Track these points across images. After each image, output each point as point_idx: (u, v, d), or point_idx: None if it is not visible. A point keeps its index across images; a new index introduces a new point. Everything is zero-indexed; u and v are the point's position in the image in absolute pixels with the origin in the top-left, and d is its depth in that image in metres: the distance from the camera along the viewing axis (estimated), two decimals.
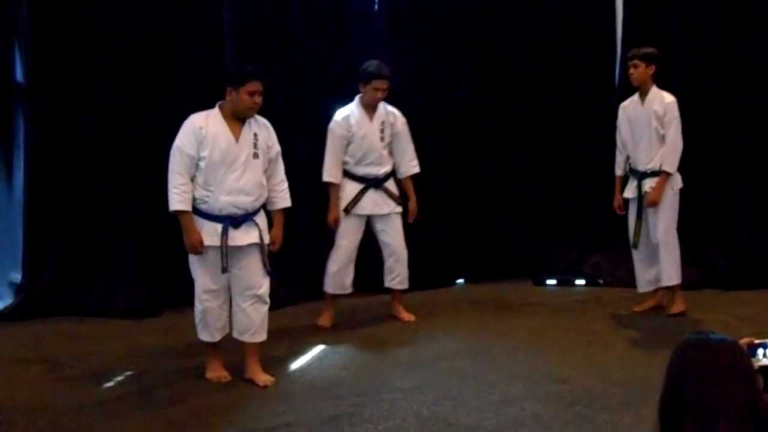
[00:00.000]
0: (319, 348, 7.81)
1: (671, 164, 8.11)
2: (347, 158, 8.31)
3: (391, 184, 8.46)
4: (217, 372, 6.95)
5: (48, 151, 9.22)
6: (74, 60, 9.14)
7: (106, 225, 9.26)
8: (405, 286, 8.67)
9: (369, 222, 8.47)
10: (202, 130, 6.55)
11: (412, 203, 8.56)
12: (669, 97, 8.13)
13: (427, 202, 9.88)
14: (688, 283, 8.47)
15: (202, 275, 6.74)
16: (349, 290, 8.55)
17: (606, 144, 9.31)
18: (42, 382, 7.10)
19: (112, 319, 8.93)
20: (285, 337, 8.11)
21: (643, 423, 5.70)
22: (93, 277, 9.34)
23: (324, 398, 6.51)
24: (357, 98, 8.33)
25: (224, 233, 6.58)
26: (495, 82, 10.21)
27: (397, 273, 8.57)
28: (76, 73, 9.17)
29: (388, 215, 8.43)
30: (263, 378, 6.88)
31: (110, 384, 7.06)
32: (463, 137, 10.18)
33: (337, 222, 8.30)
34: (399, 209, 8.48)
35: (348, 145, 8.26)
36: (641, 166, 8.21)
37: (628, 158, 8.41)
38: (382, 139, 8.32)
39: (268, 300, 6.91)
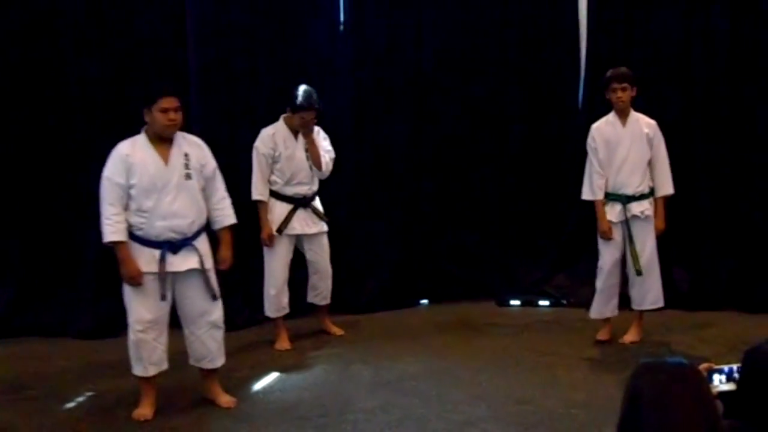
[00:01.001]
0: (282, 369, 7.78)
1: (671, 186, 8.13)
2: (276, 179, 8.37)
3: (317, 203, 8.56)
4: (143, 410, 6.63)
5: (5, 170, 9.18)
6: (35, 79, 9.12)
7: (67, 245, 9.20)
8: (327, 301, 8.78)
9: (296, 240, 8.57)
10: (129, 158, 6.39)
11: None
12: (652, 120, 8.10)
13: (391, 223, 9.92)
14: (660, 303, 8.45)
15: (137, 305, 6.48)
16: (287, 310, 8.56)
17: (570, 165, 9.36)
18: (2, 403, 7.05)
19: (73, 340, 8.88)
20: (248, 358, 8.09)
21: None
22: (54, 298, 9.27)
23: (287, 419, 6.49)
24: (282, 118, 8.40)
25: (162, 259, 6.43)
26: (458, 102, 10.19)
27: (320, 290, 8.69)
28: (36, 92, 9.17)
29: (315, 235, 8.51)
30: (225, 399, 6.82)
31: (71, 405, 7.03)
32: (427, 157, 10.16)
33: (271, 238, 8.34)
34: (325, 228, 8.58)
35: (273, 163, 8.32)
36: (629, 190, 8.01)
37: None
38: (308, 158, 8.39)
39: (222, 325, 6.80)
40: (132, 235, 6.44)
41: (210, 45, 9.32)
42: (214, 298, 6.68)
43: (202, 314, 6.65)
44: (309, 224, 8.46)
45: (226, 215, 6.85)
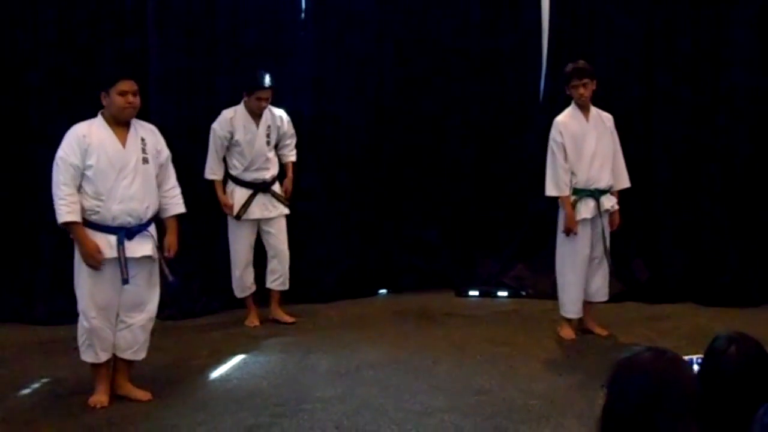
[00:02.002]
0: (240, 357, 7.75)
1: (627, 179, 8.15)
2: (236, 164, 8.46)
3: (277, 187, 8.64)
4: (99, 396, 6.56)
5: None
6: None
7: (24, 232, 9.12)
8: (286, 287, 8.82)
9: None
10: (86, 139, 6.32)
11: (288, 182, 8.76)
12: (607, 113, 8.08)
13: (351, 213, 9.90)
14: (610, 296, 8.45)
15: (91, 291, 6.40)
16: (253, 289, 8.76)
17: (530, 158, 9.37)
18: None
19: (29, 326, 8.80)
20: (205, 346, 8.07)
21: None
22: (10, 284, 9.20)
23: (243, 408, 6.46)
24: (242, 103, 8.45)
25: (120, 243, 6.34)
26: (419, 93, 10.17)
27: (279, 274, 8.73)
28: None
29: (275, 218, 8.59)
30: (140, 394, 6.70)
31: (26, 391, 6.99)
32: (387, 146, 10.14)
33: (231, 207, 8.45)
34: (286, 211, 8.65)
35: (232, 146, 8.41)
36: (601, 184, 7.95)
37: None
38: (268, 143, 8.50)
39: (154, 317, 6.74)
40: (87, 221, 6.35)
41: (170, 30, 9.25)
42: (171, 283, 6.67)
43: (141, 304, 6.59)
44: (269, 208, 8.55)
45: (176, 203, 6.81)
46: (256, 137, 8.39)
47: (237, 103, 8.48)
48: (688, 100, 9.53)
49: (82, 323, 6.47)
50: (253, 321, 8.74)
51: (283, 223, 8.67)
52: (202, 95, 9.38)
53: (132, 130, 6.50)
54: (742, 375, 3.09)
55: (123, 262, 6.35)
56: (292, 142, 8.80)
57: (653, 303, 9.26)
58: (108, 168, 6.33)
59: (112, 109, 6.40)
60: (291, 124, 8.75)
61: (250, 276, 8.70)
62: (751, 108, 9.38)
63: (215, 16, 9.43)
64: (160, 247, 6.62)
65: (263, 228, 8.62)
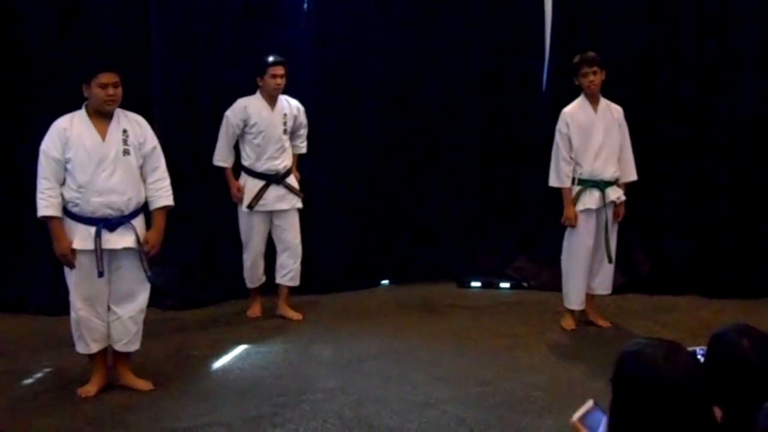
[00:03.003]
0: (242, 347, 7.75)
1: (635, 172, 8.14)
2: (249, 153, 8.38)
3: (291, 180, 8.52)
4: (88, 386, 6.62)
5: None
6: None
7: (25, 222, 9.10)
8: (296, 283, 8.72)
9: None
10: (66, 132, 6.33)
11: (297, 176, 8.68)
12: (617, 105, 8.07)
13: (353, 203, 9.89)
14: (612, 288, 8.44)
15: (76, 282, 6.45)
16: (263, 280, 8.71)
17: (533, 148, 9.36)
18: None
19: (31, 316, 8.81)
20: (208, 336, 8.07)
21: (566, 427, 5.69)
22: (11, 274, 9.20)
23: (246, 398, 6.47)
24: (257, 92, 8.40)
25: (98, 236, 6.33)
26: (423, 85, 10.15)
27: (289, 269, 8.63)
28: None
29: (286, 211, 8.48)
30: (141, 384, 6.73)
31: (28, 381, 7.00)
32: (390, 137, 10.13)
33: (241, 190, 8.39)
34: (299, 205, 8.55)
35: (245, 135, 8.35)
36: (607, 176, 7.93)
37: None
38: (285, 131, 8.41)
39: (145, 308, 6.73)
40: (68, 212, 6.38)
41: (173, 27, 9.23)
42: (147, 279, 6.62)
43: (130, 295, 6.59)
44: (282, 200, 8.43)
45: (161, 196, 6.69)
46: (271, 124, 8.31)
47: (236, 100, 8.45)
48: (693, 92, 9.50)
49: (72, 314, 6.54)
50: (254, 312, 8.71)
51: (295, 216, 8.55)
52: (206, 92, 9.35)
53: (114, 121, 6.46)
54: (757, 367, 3.08)
55: (99, 254, 6.33)
56: (304, 133, 8.71)
57: (656, 295, 9.25)
58: (86, 160, 6.32)
59: (94, 102, 6.39)
60: (305, 115, 8.67)
61: (260, 267, 8.63)
62: (755, 100, 9.36)
63: (218, 12, 9.40)
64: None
65: (274, 221, 8.50)
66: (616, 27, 9.68)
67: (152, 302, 6.90)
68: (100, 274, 6.39)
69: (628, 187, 8.19)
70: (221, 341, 7.93)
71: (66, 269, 6.50)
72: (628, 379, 2.85)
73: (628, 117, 8.23)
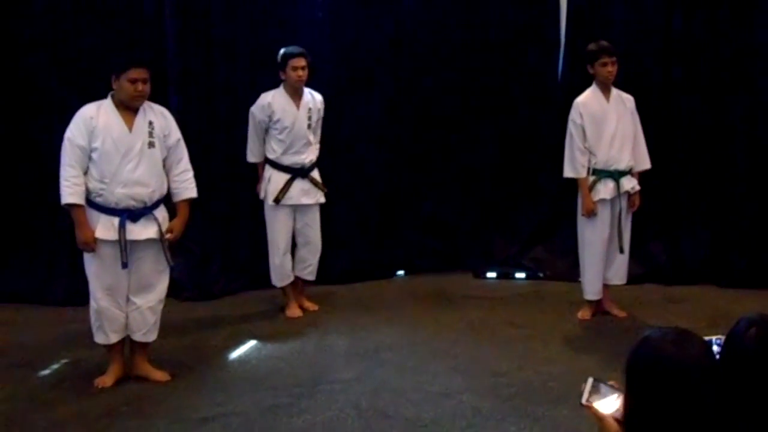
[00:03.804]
0: (258, 338, 7.77)
1: (648, 160, 8.10)
2: (275, 147, 8.29)
3: (316, 174, 8.46)
4: (105, 377, 6.64)
5: None
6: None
7: (43, 212, 9.14)
8: (313, 277, 8.69)
9: None
10: (93, 120, 6.32)
11: None
12: (628, 94, 8.04)
13: (368, 194, 9.89)
14: (628, 278, 8.44)
15: (97, 272, 6.47)
16: (292, 277, 8.53)
17: (549, 138, 9.34)
18: None
19: (49, 307, 8.83)
20: (224, 328, 8.09)
21: (581, 417, 5.70)
22: (30, 265, 9.24)
23: (262, 389, 6.49)
24: (281, 86, 8.30)
25: (122, 226, 6.34)
26: (437, 77, 10.12)
27: (309, 263, 8.58)
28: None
29: (310, 206, 8.42)
30: (158, 374, 6.75)
31: (46, 372, 7.03)
32: (405, 127, 10.13)
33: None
34: (322, 200, 8.50)
35: (272, 130, 8.25)
36: (621, 165, 7.92)
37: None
38: (309, 126, 8.33)
39: (164, 299, 6.76)
40: (91, 202, 6.38)
41: (189, 29, 9.27)
42: (170, 268, 6.68)
43: (149, 286, 6.61)
44: (307, 195, 8.36)
45: (186, 188, 6.74)
46: (296, 120, 8.22)
47: (256, 91, 8.43)
48: (709, 80, 9.46)
49: (92, 304, 6.55)
50: (294, 311, 8.51)
51: (317, 212, 8.49)
52: (220, 94, 9.41)
53: (141, 113, 6.48)
54: (760, 358, 3.07)
55: (123, 245, 6.35)
56: (319, 130, 8.55)
57: (672, 285, 9.24)
58: (113, 151, 6.33)
59: (122, 95, 6.39)
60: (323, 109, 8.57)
61: (288, 263, 8.47)
62: None
63: (234, 13, 9.41)
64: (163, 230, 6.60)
65: (297, 216, 8.42)
66: (631, 17, 9.65)
67: (169, 293, 6.91)
68: (124, 266, 6.41)
69: (642, 177, 8.18)
70: (237, 332, 7.95)
71: (86, 260, 6.52)
72: (640, 368, 2.86)
73: (644, 106, 8.22)
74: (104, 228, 6.36)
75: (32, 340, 7.86)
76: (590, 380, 3.38)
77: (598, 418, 3.27)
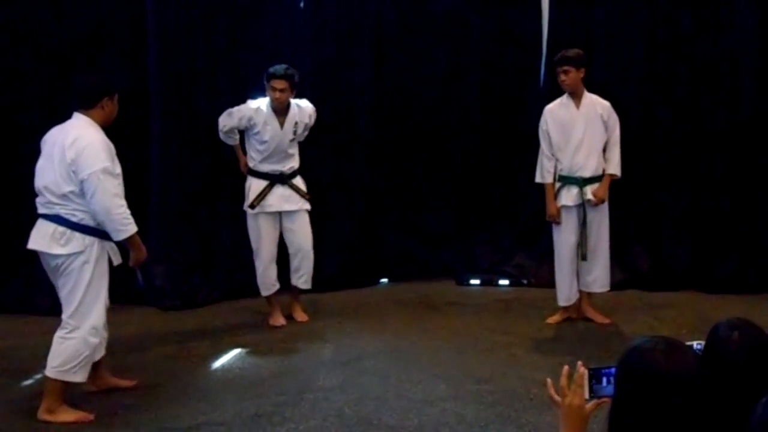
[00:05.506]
0: (241, 347, 7.76)
1: (619, 167, 8.05)
2: (253, 155, 8.26)
3: (298, 181, 8.40)
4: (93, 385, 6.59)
5: None
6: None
7: (27, 222, 9.11)
8: (308, 286, 8.62)
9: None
10: (110, 145, 6.14)
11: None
12: (606, 101, 8.05)
13: (352, 202, 9.90)
14: (612, 285, 8.45)
15: (100, 308, 6.23)
16: (277, 287, 8.48)
17: (530, 146, 9.36)
18: None
19: (33, 316, 8.78)
20: (207, 336, 8.07)
21: None
22: (13, 274, 9.21)
23: (245, 397, 6.48)
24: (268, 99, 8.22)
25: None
26: (419, 82, 10.16)
27: (303, 272, 8.51)
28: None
29: (295, 212, 8.35)
30: (125, 382, 6.73)
31: (29, 382, 7.01)
32: (388, 135, 10.13)
33: (246, 167, 8.33)
34: (307, 206, 8.42)
35: (255, 134, 8.17)
36: (586, 173, 7.95)
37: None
38: (292, 140, 8.28)
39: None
40: (93, 229, 6.17)
41: (169, 23, 9.25)
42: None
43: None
44: (288, 201, 8.30)
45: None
46: (277, 135, 8.14)
47: (237, 94, 8.42)
48: (691, 85, 9.51)
49: (88, 340, 6.18)
50: (277, 320, 8.46)
51: (304, 219, 8.40)
52: (202, 93, 9.38)
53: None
54: (745, 361, 3.08)
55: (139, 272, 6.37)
56: (306, 133, 8.49)
57: (655, 291, 9.27)
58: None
59: (105, 116, 6.28)
60: (314, 119, 8.50)
61: (273, 272, 8.41)
62: (753, 95, 9.35)
63: (214, 6, 9.41)
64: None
65: (284, 224, 8.36)
66: (612, 23, 9.68)
67: (152, 302, 6.91)
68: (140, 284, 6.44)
69: (625, 182, 8.19)
70: (221, 341, 7.94)
71: (100, 291, 6.25)
72: (629, 376, 2.86)
73: (625, 112, 8.23)
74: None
75: (15, 349, 7.85)
76: (585, 373, 3.44)
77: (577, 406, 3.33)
